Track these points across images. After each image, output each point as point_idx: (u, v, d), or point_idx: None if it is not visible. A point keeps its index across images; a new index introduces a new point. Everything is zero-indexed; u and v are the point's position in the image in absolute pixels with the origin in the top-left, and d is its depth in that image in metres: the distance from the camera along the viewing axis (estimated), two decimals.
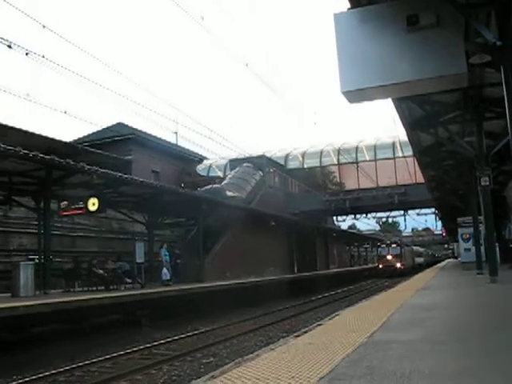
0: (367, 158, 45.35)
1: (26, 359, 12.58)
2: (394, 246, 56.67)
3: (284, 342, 7.94)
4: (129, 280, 21.25)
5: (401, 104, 16.26)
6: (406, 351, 6.30)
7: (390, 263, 53.94)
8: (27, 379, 10.90)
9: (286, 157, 47.94)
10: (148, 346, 14.59)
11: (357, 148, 45.81)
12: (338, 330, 8.67)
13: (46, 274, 18.23)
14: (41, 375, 11.23)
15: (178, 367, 11.70)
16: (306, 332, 8.78)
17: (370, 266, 68.85)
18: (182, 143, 43.66)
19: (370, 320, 9.41)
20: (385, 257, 55.36)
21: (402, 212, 51.72)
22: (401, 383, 4.72)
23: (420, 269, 61.06)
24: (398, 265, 53.58)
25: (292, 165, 47.81)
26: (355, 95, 9.26)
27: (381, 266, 55.40)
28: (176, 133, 40.06)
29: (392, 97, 13.57)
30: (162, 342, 15.20)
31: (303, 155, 47.85)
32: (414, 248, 77.31)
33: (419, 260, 74.96)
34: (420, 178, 34.95)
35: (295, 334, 8.82)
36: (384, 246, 57.76)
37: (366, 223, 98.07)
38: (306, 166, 47.74)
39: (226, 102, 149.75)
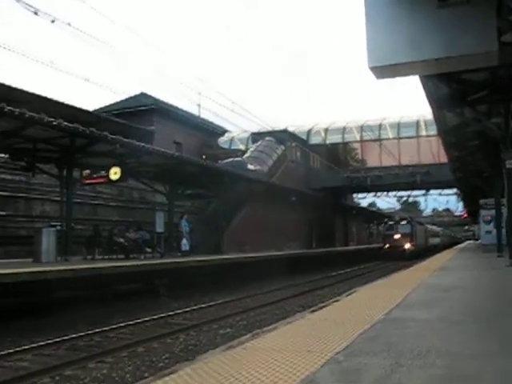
0: (390, 136, 44.92)
1: (48, 323, 12.82)
2: (402, 222, 47.69)
3: (301, 316, 7.99)
4: (148, 249, 21.45)
5: (428, 82, 15.99)
6: (422, 330, 6.30)
7: (397, 243, 45.39)
8: (49, 341, 11.14)
9: (309, 132, 47.67)
10: (165, 315, 14.78)
11: (380, 125, 45.36)
12: (354, 307, 8.69)
13: (68, 241, 18.48)
14: (61, 339, 11.46)
15: (194, 337, 11.84)
16: (322, 307, 8.81)
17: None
18: (205, 115, 43.64)
19: (388, 298, 9.41)
20: (392, 236, 46.61)
21: (423, 192, 51.34)
22: (418, 361, 4.73)
23: (435, 251, 54.14)
24: (408, 245, 45.32)
25: (314, 140, 47.56)
26: (383, 71, 9.12)
27: (386, 247, 46.62)
28: (199, 105, 40.03)
29: (420, 74, 13.34)
30: (180, 311, 15.38)
31: (326, 131, 47.53)
32: (429, 227, 67.60)
33: (434, 240, 66.36)
34: (443, 158, 34.53)
35: (312, 309, 8.87)
36: (391, 222, 49.03)
37: (387, 201, 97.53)
38: (328, 141, 47.46)
39: (250, 76, 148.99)
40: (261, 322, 13.37)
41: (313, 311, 8.52)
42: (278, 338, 6.00)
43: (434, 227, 78.51)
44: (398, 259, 40.53)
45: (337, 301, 9.76)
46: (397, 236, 46.16)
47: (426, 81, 15.82)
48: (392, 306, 8.19)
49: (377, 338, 5.81)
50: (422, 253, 47.32)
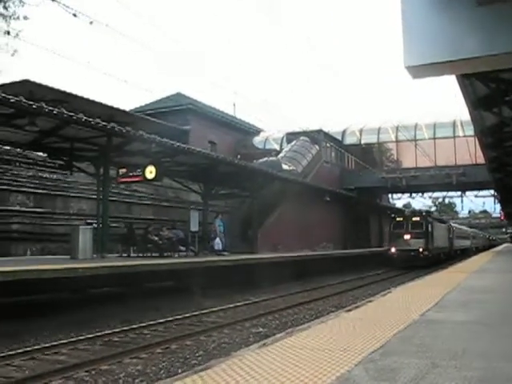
0: (426, 137, 44.30)
1: (84, 319, 13.05)
2: (415, 219, 37.49)
3: (335, 315, 7.97)
4: (183, 248, 21.60)
5: (465, 81, 15.73)
6: (458, 331, 6.24)
7: (407, 245, 35.96)
8: (85, 337, 11.34)
9: (344, 132, 47.38)
10: (198, 313, 14.88)
11: (416, 125, 44.79)
12: (389, 307, 8.63)
13: (104, 239, 18.73)
14: (97, 334, 11.65)
15: (227, 335, 11.89)
16: (357, 307, 8.78)
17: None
18: (240, 115, 43.72)
19: (423, 299, 9.32)
20: (400, 236, 36.83)
21: (459, 193, 50.23)
22: (453, 362, 4.68)
23: (463, 255, 48.82)
24: (421, 249, 35.64)
25: (349, 140, 47.25)
26: (419, 70, 8.97)
27: (393, 250, 36.44)
28: (234, 104, 40.12)
29: (458, 73, 13.12)
30: (213, 310, 15.46)
31: (361, 131, 47.17)
32: (456, 226, 57.99)
33: (463, 243, 56.92)
34: (480, 159, 33.90)
35: (346, 309, 8.84)
36: (399, 218, 38.32)
37: (422, 202, 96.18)
38: (363, 141, 47.09)
39: (283, 76, 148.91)
40: (293, 322, 13.37)
41: (347, 311, 8.49)
42: (312, 337, 6.00)
43: (463, 227, 70.42)
44: (409, 267, 33.36)
45: (371, 301, 9.71)
46: (407, 236, 36.33)
47: (463, 80, 15.56)
48: (428, 307, 8.11)
49: (412, 338, 5.77)
50: (444, 258, 40.16)
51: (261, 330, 12.57)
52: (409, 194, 49.63)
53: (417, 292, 11.06)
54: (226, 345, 10.85)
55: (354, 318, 7.43)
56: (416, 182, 42.10)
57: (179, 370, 8.43)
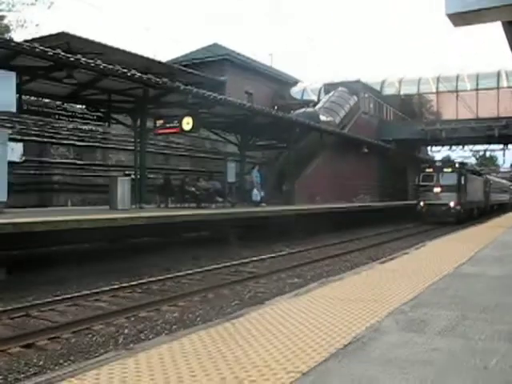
0: (468, 88, 43.08)
1: (123, 268, 13.40)
2: (446, 170, 33.88)
3: (369, 267, 8.00)
4: (220, 199, 21.77)
5: (511, 28, 15.15)
6: (492, 285, 6.21)
7: (437, 200, 32.92)
8: (125, 285, 11.67)
9: (382, 83, 46.43)
10: (235, 263, 15.10)
11: (457, 76, 43.53)
12: (424, 260, 8.62)
13: (142, 189, 19.02)
14: (137, 282, 11.98)
15: (263, 285, 12.07)
16: (391, 259, 8.79)
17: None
18: (277, 66, 43.12)
19: (458, 252, 9.27)
20: (429, 189, 33.64)
21: (501, 146, 48.79)
22: (484, 315, 4.68)
23: (501, 210, 47.59)
24: (452, 203, 32.53)
25: (388, 91, 46.32)
26: (462, 18, 8.65)
27: (422, 205, 33.69)
28: (271, 55, 39.55)
29: (503, 20, 12.62)
30: (249, 260, 15.66)
31: (400, 82, 46.14)
32: (493, 179, 54.07)
33: (501, 197, 54.36)
34: None
35: (380, 261, 8.86)
36: (429, 170, 34.61)
37: (462, 156, 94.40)
38: (402, 92, 46.11)
39: (323, 24, 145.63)
40: (328, 273, 13.47)
41: (382, 262, 8.52)
42: (344, 287, 6.06)
43: (502, 180, 66.79)
44: (440, 222, 31.23)
45: (406, 253, 9.70)
46: (437, 189, 33.23)
47: (509, 27, 14.99)
48: (462, 261, 8.08)
49: (445, 290, 5.77)
50: (478, 213, 37.82)
51: (296, 280, 12.70)
52: (449, 147, 48.53)
53: (452, 246, 10.99)
54: (261, 294, 11.02)
55: (388, 270, 7.45)
56: (456, 135, 41.17)
57: (215, 318, 8.62)
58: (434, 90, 44.70)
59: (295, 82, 46.19)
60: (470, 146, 50.38)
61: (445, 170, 33.73)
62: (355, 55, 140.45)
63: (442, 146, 47.71)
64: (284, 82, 44.21)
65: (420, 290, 5.80)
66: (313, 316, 4.67)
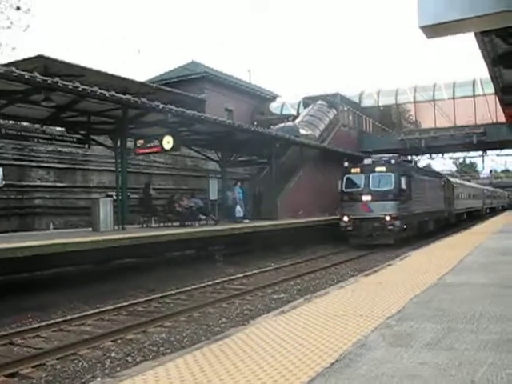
0: (445, 97, 43.59)
1: (108, 290, 13.28)
2: (379, 169, 24.91)
3: (354, 280, 8.02)
4: (203, 216, 21.73)
5: (484, 38, 15.40)
6: (476, 294, 6.24)
7: (367, 213, 23.97)
8: (110, 308, 11.56)
9: (361, 95, 46.80)
10: (221, 280, 15.05)
11: (434, 86, 44.06)
12: (408, 271, 8.66)
13: (124, 210, 18.91)
14: (121, 305, 11.87)
15: (249, 302, 12.05)
16: (375, 271, 8.82)
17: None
18: (256, 82, 43.38)
19: (442, 261, 9.33)
20: (357, 198, 24.51)
21: (480, 153, 49.23)
22: (470, 326, 4.70)
23: (473, 220, 40.91)
24: (388, 217, 23.44)
25: (366, 103, 46.68)
26: (435, 30, 8.76)
27: (346, 220, 24.37)
28: (249, 71, 39.79)
29: (475, 30, 12.81)
30: (235, 277, 15.62)
31: (378, 93, 46.55)
32: (459, 182, 45.62)
33: (470, 204, 45.81)
34: (501, 118, 33.43)
35: (365, 273, 8.88)
36: (355, 170, 25.47)
37: (442, 163, 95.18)
38: (380, 104, 46.53)
39: (301, 38, 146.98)
40: (315, 287, 13.47)
41: (366, 275, 8.54)
42: (330, 303, 6.06)
43: (472, 184, 56.86)
44: (371, 245, 23.30)
45: (390, 265, 9.74)
46: (366, 197, 24.03)
47: (481, 37, 15.23)
48: (446, 270, 8.13)
49: (429, 302, 5.79)
50: (436, 227, 30.00)
51: (282, 295, 12.69)
52: (429, 156, 48.92)
53: (436, 254, 11.05)
54: (248, 311, 10.99)
55: (372, 283, 7.47)
56: (436, 143, 41.55)
57: (203, 338, 8.57)
58: (412, 100, 45.16)
59: (274, 97, 46.43)
60: (450, 154, 50.83)
61: (377, 169, 24.32)
62: (333, 68, 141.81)
63: (422, 154, 48.14)
64: (263, 98, 44.42)
65: (405, 302, 5.82)
66: (298, 334, 4.66)
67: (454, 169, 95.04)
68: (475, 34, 14.56)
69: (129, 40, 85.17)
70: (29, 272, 13.51)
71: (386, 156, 27.26)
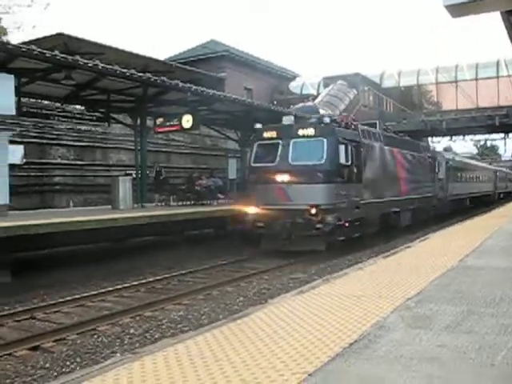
0: (467, 77, 42.98)
1: (127, 267, 13.41)
2: (304, 132, 15.58)
3: (373, 261, 7.99)
4: (221, 196, 21.76)
5: (509, 17, 15.10)
6: (497, 278, 6.19)
7: (283, 202, 15.20)
8: (128, 285, 11.68)
9: (382, 75, 46.32)
10: (239, 259, 15.09)
11: (456, 66, 43.45)
12: (427, 253, 8.61)
13: (143, 188, 19.00)
14: (141, 282, 11.99)
15: (267, 281, 12.05)
16: (394, 253, 8.78)
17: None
18: (276, 60, 43.08)
19: (462, 244, 9.26)
20: (268, 178, 15.52)
21: (502, 135, 48.42)
22: (490, 309, 4.67)
23: (479, 207, 34.27)
24: (314, 210, 14.63)
25: (387, 83, 46.20)
26: (460, 9, 8.61)
27: (253, 212, 15.70)
28: (270, 49, 39.40)
29: (500, 9, 12.57)
30: (253, 256, 15.62)
31: (399, 74, 46.04)
32: (455, 158, 34.83)
33: (475, 187, 37.91)
34: None
35: (384, 255, 8.85)
36: (271, 134, 16.26)
37: (463, 146, 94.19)
38: (401, 84, 46.02)
39: (322, 16, 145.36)
40: (332, 268, 13.43)
41: (385, 257, 8.51)
42: (348, 284, 6.05)
43: (479, 163, 49.79)
44: (290, 251, 15.16)
45: (409, 247, 9.69)
46: (282, 177, 15.41)
47: (507, 16, 14.93)
48: (466, 253, 8.06)
49: (449, 285, 5.76)
50: (415, 220, 22.14)
51: (300, 275, 12.67)
52: (449, 137, 48.33)
53: (455, 237, 10.97)
54: (266, 290, 11.00)
55: (392, 264, 7.45)
56: (457, 125, 41.06)
57: (220, 316, 8.61)
58: (434, 81, 44.59)
59: (294, 77, 46.11)
60: (471, 136, 50.14)
61: (301, 132, 15.64)
62: (354, 48, 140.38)
63: (443, 136, 47.63)
64: (283, 77, 44.14)
65: (424, 284, 5.79)
66: (317, 314, 4.67)
67: (475, 151, 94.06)
68: (501, 14, 14.28)
69: (149, 19, 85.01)
70: (50, 248, 13.68)
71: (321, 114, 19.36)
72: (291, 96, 42.20)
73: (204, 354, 3.70)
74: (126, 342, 7.61)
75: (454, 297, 5.13)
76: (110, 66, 15.44)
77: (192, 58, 36.04)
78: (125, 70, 15.88)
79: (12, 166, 15.42)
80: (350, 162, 15.70)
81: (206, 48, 36.88)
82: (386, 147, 19.53)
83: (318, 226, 14.56)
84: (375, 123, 21.20)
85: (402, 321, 4.39)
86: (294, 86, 45.80)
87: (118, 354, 6.52)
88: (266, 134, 16.37)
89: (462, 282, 5.85)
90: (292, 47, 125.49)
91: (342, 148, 15.26)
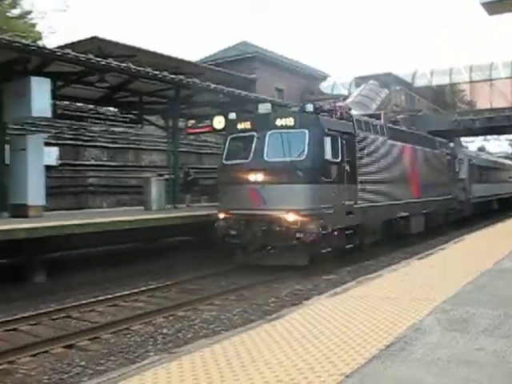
0: (502, 75, 42.27)
1: (160, 267, 13.50)
2: (282, 122, 12.91)
3: (406, 263, 7.93)
4: None
5: None
6: None
7: (255, 207, 12.69)
8: (161, 285, 11.78)
9: (414, 74, 45.86)
10: None
11: (491, 64, 42.76)
12: (462, 255, 8.51)
13: (176, 189, 19.13)
14: (173, 282, 12.07)
15: (299, 282, 11.99)
16: (428, 255, 8.70)
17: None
18: (306, 60, 42.97)
19: (498, 246, 9.12)
20: (242, 177, 12.93)
21: None
22: None
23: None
24: (293, 215, 12.13)
25: (419, 83, 45.71)
26: (496, 6, 8.51)
27: (222, 217, 13.41)
28: (298, 50, 39.27)
29: None
30: None
31: (432, 73, 45.54)
32: (477, 156, 34.15)
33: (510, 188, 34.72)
34: None
35: (418, 257, 8.77)
36: (245, 126, 13.58)
37: (497, 145, 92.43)
38: (434, 83, 45.49)
39: (353, 16, 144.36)
40: (366, 269, 13.33)
41: (419, 258, 8.43)
42: (382, 286, 6.02)
43: (508, 162, 44.41)
44: (264, 266, 12.72)
45: (443, 249, 9.58)
46: (256, 177, 12.76)
47: None
48: (502, 256, 7.94)
49: (484, 287, 5.69)
50: (429, 225, 19.46)
51: (332, 277, 12.59)
52: (483, 137, 47.57)
53: (490, 240, 10.81)
54: (298, 292, 10.97)
55: (426, 266, 7.38)
56: (491, 124, 40.40)
57: (252, 317, 8.64)
58: (467, 80, 43.97)
59: (324, 77, 45.96)
60: (506, 136, 49.25)
61: (278, 123, 13.10)
62: (385, 47, 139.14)
63: (477, 136, 46.91)
64: (314, 77, 44.03)
65: (459, 286, 5.73)
66: (352, 316, 4.66)
67: (511, 151, 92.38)
68: None
69: (180, 21, 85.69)
70: (84, 248, 13.88)
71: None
72: (322, 96, 42.09)
73: (240, 354, 3.72)
74: (159, 341, 7.69)
75: (489, 300, 5.07)
76: (143, 69, 15.63)
77: (223, 60, 36.18)
78: (157, 72, 16.07)
79: (47, 168, 15.69)
80: (339, 159, 13.32)
81: (237, 49, 37.01)
82: (392, 142, 17.05)
83: (298, 235, 12.03)
84: (379, 114, 19.23)
85: (438, 323, 4.36)
86: (324, 86, 45.65)
87: (152, 354, 6.59)
88: (239, 126, 13.81)
89: (497, 286, 5.77)
90: (321, 47, 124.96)
91: (327, 141, 12.66)
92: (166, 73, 16.51)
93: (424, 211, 18.96)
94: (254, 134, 13.19)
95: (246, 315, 9.03)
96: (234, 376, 3.29)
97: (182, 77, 17.02)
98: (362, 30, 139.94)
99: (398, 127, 19.10)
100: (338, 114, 14.41)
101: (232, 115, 14.44)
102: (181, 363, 3.61)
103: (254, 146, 13.09)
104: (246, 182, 12.82)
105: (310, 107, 13.01)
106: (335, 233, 12.92)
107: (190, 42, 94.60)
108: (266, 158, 12.84)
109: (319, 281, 12.00)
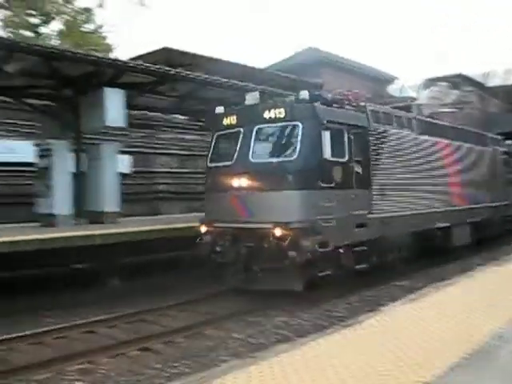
0: None
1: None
2: (271, 115, 10.54)
3: (484, 269, 7.72)
4: None
5: None
6: None
7: (240, 219, 10.39)
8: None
9: (486, 75, 44.54)
10: None
11: None
12: None
13: None
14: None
15: (371, 288, 11.76)
16: (506, 261, 8.44)
17: None
18: (372, 64, 42.46)
19: None
20: (225, 182, 10.77)
21: None
22: None
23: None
24: (279, 231, 9.58)
25: (493, 83, 44.36)
26: None
27: (204, 231, 11.08)
28: (367, 52, 38.91)
29: None
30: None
31: (506, 72, 44.07)
32: None
33: None
34: None
35: (495, 263, 8.51)
36: (230, 121, 11.39)
37: None
38: (509, 83, 43.99)
39: (422, 19, 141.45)
40: (440, 275, 12.97)
41: (496, 265, 8.18)
42: (459, 292, 5.89)
43: None
44: (249, 290, 10.65)
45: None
46: (240, 182, 10.48)
47: None
48: None
49: None
50: (465, 242, 15.75)
51: (404, 283, 12.32)
52: None
53: None
54: (371, 298, 10.78)
55: (503, 273, 7.15)
56: None
57: (324, 323, 8.57)
58: None
59: (391, 79, 45.27)
60: None
61: (266, 115, 10.69)
62: (455, 47, 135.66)
63: None
64: (381, 80, 43.41)
65: None
66: (430, 322, 4.58)
67: None
68: None
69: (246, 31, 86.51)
70: (155, 254, 14.12)
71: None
72: (390, 99, 41.46)
73: (320, 359, 3.72)
74: (230, 345, 7.75)
75: None
76: (211, 77, 15.85)
77: (289, 66, 36.28)
78: (226, 80, 16.25)
79: (121, 175, 16.16)
80: (345, 158, 10.85)
81: (303, 55, 37.02)
82: (423, 137, 14.41)
83: (291, 254, 9.51)
84: (410, 106, 16.80)
85: None
86: (393, 88, 44.85)
87: (225, 358, 6.66)
88: (225, 121, 11.55)
89: None
90: (389, 49, 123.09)
91: (326, 136, 10.16)
92: (234, 81, 16.69)
93: (471, 220, 16.07)
94: (240, 129, 11.00)
95: (317, 321, 8.94)
96: (312, 381, 3.30)
97: (250, 84, 17.13)
98: (433, 31, 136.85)
99: (430, 120, 16.19)
100: (353, 103, 12.03)
101: (219, 109, 12.02)
102: (260, 368, 3.65)
103: (238, 144, 10.84)
104: (230, 189, 10.62)
105: (304, 94, 10.54)
106: (340, 250, 10.47)
107: (251, 49, 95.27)
108: (251, 159, 10.55)
109: (391, 287, 11.74)
